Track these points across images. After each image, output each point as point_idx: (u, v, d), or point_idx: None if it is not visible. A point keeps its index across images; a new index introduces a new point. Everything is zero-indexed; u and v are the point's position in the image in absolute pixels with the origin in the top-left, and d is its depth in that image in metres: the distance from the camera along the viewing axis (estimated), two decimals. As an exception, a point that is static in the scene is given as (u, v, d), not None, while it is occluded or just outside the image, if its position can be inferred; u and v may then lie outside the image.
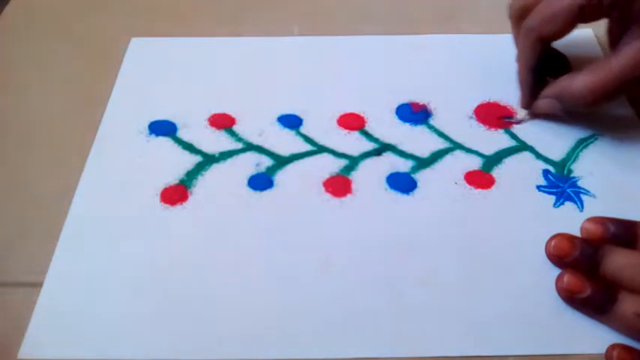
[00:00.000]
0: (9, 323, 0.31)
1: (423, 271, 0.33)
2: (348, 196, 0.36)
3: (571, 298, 0.31)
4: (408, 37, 0.46)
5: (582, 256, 0.32)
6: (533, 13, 0.37)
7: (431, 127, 0.40)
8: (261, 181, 0.37)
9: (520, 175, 0.37)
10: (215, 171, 0.38)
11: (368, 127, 0.40)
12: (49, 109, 0.42)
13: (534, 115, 0.40)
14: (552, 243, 0.33)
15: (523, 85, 0.40)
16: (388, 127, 0.40)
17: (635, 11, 0.34)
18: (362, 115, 0.41)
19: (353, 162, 0.38)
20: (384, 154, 0.39)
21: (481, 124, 0.40)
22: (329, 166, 0.38)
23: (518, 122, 0.40)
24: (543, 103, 0.39)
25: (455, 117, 0.41)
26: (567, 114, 0.38)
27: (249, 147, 0.39)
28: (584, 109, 0.38)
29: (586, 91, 0.36)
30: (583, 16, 0.36)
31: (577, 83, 0.36)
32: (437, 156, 0.38)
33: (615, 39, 0.37)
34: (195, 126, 0.40)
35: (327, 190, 0.37)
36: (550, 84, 0.38)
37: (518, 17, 0.39)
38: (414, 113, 0.41)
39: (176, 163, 0.38)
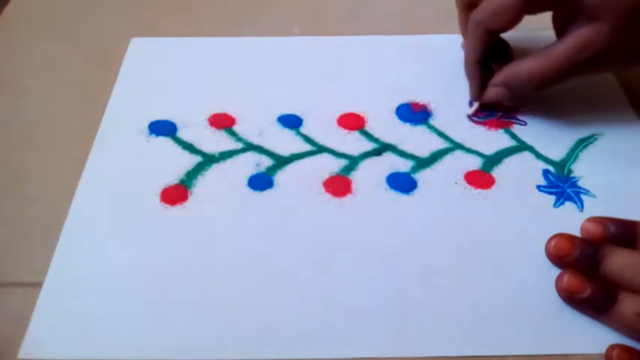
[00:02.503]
0: (9, 323, 0.31)
1: (423, 271, 0.33)
2: (348, 196, 0.36)
3: (571, 298, 0.31)
4: (408, 37, 0.46)
5: (582, 256, 0.32)
6: (480, 6, 0.38)
7: (431, 127, 0.40)
8: (261, 181, 0.37)
9: (520, 175, 0.37)
10: (215, 171, 0.38)
11: (368, 127, 0.40)
12: (49, 109, 0.42)
13: (485, 104, 0.40)
14: (552, 243, 0.33)
15: (472, 77, 0.41)
16: (388, 127, 0.40)
17: (578, 2, 0.35)
18: (362, 115, 0.41)
19: (353, 162, 0.38)
20: (384, 154, 0.39)
21: (481, 124, 0.40)
22: (329, 166, 0.38)
23: (474, 115, 0.41)
24: (492, 91, 0.40)
25: (455, 117, 0.41)
26: (516, 100, 0.40)
27: (249, 147, 0.39)
28: (532, 94, 0.39)
29: (533, 76, 0.37)
30: (529, 8, 0.37)
31: (524, 69, 0.37)
32: (437, 156, 0.38)
33: (560, 29, 0.38)
34: (195, 126, 0.40)
35: (327, 190, 0.37)
36: (497, 72, 0.39)
37: (466, 4, 0.40)
38: (414, 113, 0.41)
39: (176, 163, 0.38)
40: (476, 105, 0.41)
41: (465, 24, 0.40)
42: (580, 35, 0.36)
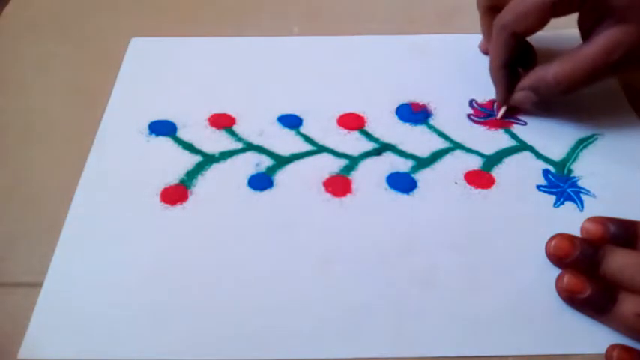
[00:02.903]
0: (9, 323, 0.31)
1: (423, 271, 0.33)
2: (348, 196, 0.36)
3: (571, 298, 0.31)
4: (408, 37, 0.46)
5: (582, 256, 0.32)
6: (505, 9, 0.38)
7: (431, 127, 0.40)
8: (261, 181, 0.37)
9: (520, 175, 0.37)
10: (215, 171, 0.38)
11: (368, 127, 0.40)
12: (49, 109, 0.42)
13: (513, 108, 0.40)
14: (552, 243, 0.33)
15: (498, 82, 0.40)
16: (388, 127, 0.40)
17: (605, 5, 0.35)
18: (362, 115, 0.41)
19: (353, 162, 0.38)
20: (384, 154, 0.39)
21: (481, 124, 0.40)
22: (329, 166, 0.38)
23: (501, 119, 0.40)
24: (519, 95, 0.39)
25: (455, 117, 0.41)
26: (543, 104, 0.39)
27: (249, 147, 0.39)
28: (559, 98, 0.39)
29: (560, 80, 0.37)
30: (555, 11, 0.36)
31: (551, 73, 0.37)
32: (437, 156, 0.38)
33: (587, 31, 0.37)
34: (195, 126, 0.40)
35: (327, 190, 0.37)
36: (525, 76, 0.39)
37: (488, 7, 0.40)
38: (414, 113, 0.41)
39: (176, 163, 0.38)
40: (503, 109, 0.40)
41: (487, 27, 0.40)
42: (608, 37, 0.35)
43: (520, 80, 0.39)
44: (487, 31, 0.41)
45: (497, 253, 0.34)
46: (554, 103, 0.40)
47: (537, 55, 0.41)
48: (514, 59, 0.39)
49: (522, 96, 0.39)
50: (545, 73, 0.37)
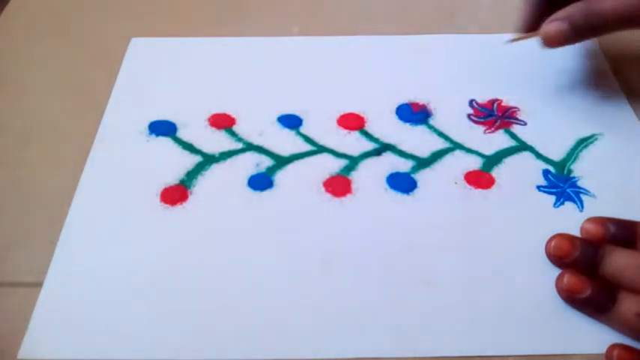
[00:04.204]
0: (9, 323, 0.31)
1: (423, 271, 0.33)
2: (348, 196, 0.36)
3: (571, 298, 0.31)
4: (408, 37, 0.46)
5: (582, 256, 0.32)
6: None
7: (431, 127, 0.40)
8: (261, 181, 0.37)
9: (520, 175, 0.37)
10: (215, 171, 0.38)
11: (368, 127, 0.40)
12: (49, 109, 0.42)
13: (544, 40, 0.36)
14: (552, 243, 0.33)
15: (527, 1, 0.36)
16: (388, 127, 0.40)
17: None
18: (362, 115, 0.41)
19: (353, 162, 0.38)
20: (384, 154, 0.39)
21: (481, 124, 0.40)
22: (329, 166, 0.38)
23: (514, 40, 0.37)
24: (552, 26, 0.35)
25: (455, 117, 0.41)
26: (574, 40, 0.35)
27: (249, 147, 0.39)
28: (605, 33, 0.35)
29: (618, 14, 0.33)
30: None
31: (609, 5, 0.34)
32: (437, 156, 0.38)
33: None
34: (195, 126, 0.40)
35: (327, 190, 0.37)
36: (568, 6, 0.35)
37: None
38: (414, 113, 0.41)
39: (176, 163, 0.38)
40: (520, 35, 0.36)
41: None
42: None
43: (556, 12, 0.36)
44: None
45: (497, 253, 0.34)
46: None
47: None
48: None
49: (555, 27, 0.35)
50: (601, 5, 0.34)
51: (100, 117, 0.41)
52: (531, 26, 0.36)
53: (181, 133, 0.40)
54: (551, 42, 0.36)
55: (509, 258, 0.33)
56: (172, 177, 0.37)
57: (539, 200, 0.36)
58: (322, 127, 0.40)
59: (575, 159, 0.38)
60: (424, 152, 0.39)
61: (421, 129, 0.40)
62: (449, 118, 0.41)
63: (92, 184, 0.37)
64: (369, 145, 0.39)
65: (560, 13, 0.36)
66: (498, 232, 0.35)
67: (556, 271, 0.32)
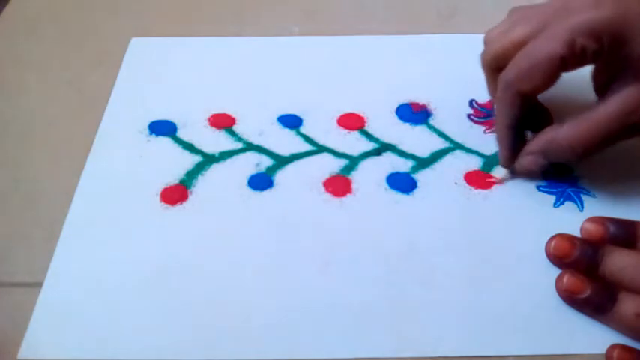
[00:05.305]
0: (9, 323, 0.31)
1: (423, 271, 0.33)
2: (348, 196, 0.36)
3: (571, 298, 0.31)
4: (408, 37, 0.46)
5: (582, 257, 0.32)
6: (510, 65, 0.34)
7: (431, 127, 0.40)
8: (261, 181, 0.37)
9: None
10: (215, 171, 0.38)
11: (368, 127, 0.40)
12: (49, 109, 0.42)
13: (516, 174, 0.37)
14: (552, 243, 0.33)
15: (502, 143, 0.36)
16: (388, 127, 0.40)
17: (623, 58, 0.32)
18: (362, 115, 0.41)
19: (353, 162, 0.38)
20: (384, 154, 0.39)
21: (481, 124, 0.40)
22: (329, 166, 0.38)
23: (500, 183, 0.37)
24: (527, 160, 0.35)
25: (455, 117, 0.41)
26: (553, 170, 0.36)
27: (249, 147, 0.39)
28: (572, 162, 0.36)
29: (573, 144, 0.33)
30: (565, 66, 0.32)
31: (562, 136, 0.33)
32: (437, 156, 0.38)
33: (602, 86, 0.34)
34: (195, 126, 0.40)
35: (327, 190, 0.37)
36: (532, 139, 0.35)
37: (493, 68, 0.36)
38: (414, 113, 0.41)
39: (176, 163, 0.38)
40: (504, 172, 0.37)
41: (493, 82, 0.36)
42: (626, 95, 0.32)
43: (527, 144, 0.35)
44: (492, 88, 0.37)
45: (497, 253, 0.34)
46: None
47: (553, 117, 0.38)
48: (522, 120, 0.35)
49: (529, 161, 0.35)
50: (556, 136, 0.33)
51: (100, 117, 0.41)
52: (512, 160, 0.36)
53: (181, 133, 0.40)
54: (531, 174, 0.36)
55: (509, 258, 0.33)
56: (172, 177, 0.37)
57: (539, 200, 0.36)
58: (322, 127, 0.40)
59: (575, 159, 0.38)
60: (424, 152, 0.39)
61: (421, 129, 0.40)
62: (449, 118, 0.41)
63: (92, 184, 0.37)
64: (369, 145, 0.39)
65: (532, 146, 0.35)
66: (498, 232, 0.35)
67: (556, 271, 0.32)
